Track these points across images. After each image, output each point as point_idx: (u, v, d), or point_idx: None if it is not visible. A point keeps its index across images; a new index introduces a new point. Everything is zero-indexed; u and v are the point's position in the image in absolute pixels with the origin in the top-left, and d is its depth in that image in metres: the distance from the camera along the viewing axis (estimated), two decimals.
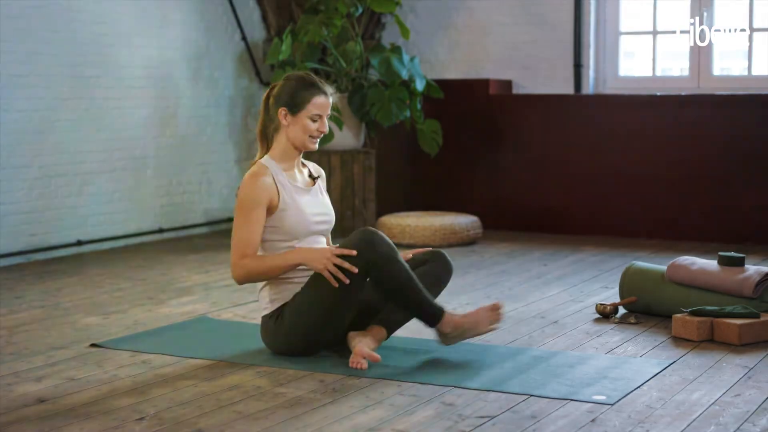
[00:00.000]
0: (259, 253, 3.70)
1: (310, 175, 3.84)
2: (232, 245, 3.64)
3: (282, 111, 3.70)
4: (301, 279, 3.68)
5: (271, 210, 3.66)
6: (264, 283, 3.70)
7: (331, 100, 3.75)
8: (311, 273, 3.65)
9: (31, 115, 5.91)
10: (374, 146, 7.16)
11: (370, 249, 3.53)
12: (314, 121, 3.70)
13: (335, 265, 3.52)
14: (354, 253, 3.53)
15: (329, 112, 3.75)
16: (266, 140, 3.79)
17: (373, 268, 3.54)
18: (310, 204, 3.74)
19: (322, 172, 3.93)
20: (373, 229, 3.61)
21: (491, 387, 3.30)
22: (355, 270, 3.51)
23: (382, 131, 7.23)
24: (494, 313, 3.68)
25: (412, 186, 7.40)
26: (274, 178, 3.68)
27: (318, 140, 3.75)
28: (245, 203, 3.63)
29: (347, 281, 3.52)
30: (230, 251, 3.65)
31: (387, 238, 3.59)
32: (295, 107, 3.69)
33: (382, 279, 3.56)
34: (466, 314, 3.68)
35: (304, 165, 3.86)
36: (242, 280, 3.64)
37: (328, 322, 3.61)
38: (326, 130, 3.73)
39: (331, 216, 3.82)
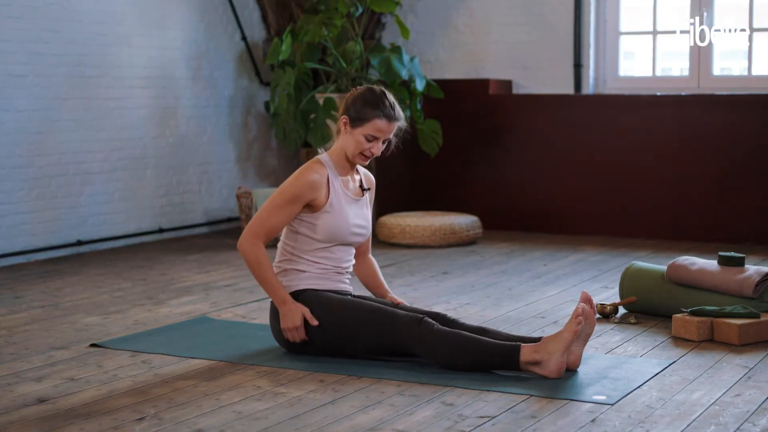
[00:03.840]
0: (286, 239, 3.72)
1: (361, 185, 3.82)
2: (255, 216, 3.67)
3: (344, 119, 3.69)
4: (310, 272, 3.69)
5: (315, 207, 3.66)
6: (281, 269, 3.73)
7: (395, 125, 3.68)
8: (327, 271, 3.72)
9: (31, 115, 5.91)
10: None
11: (414, 325, 3.49)
12: (369, 140, 3.67)
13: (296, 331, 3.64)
14: (316, 322, 3.60)
15: (390, 136, 3.70)
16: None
17: (417, 344, 3.50)
18: (354, 214, 3.73)
19: (373, 183, 3.91)
20: (429, 321, 3.52)
21: (491, 387, 3.30)
22: (299, 339, 3.63)
23: None
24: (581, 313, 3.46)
25: (412, 186, 7.40)
26: (328, 178, 3.68)
27: (369, 159, 3.72)
28: (289, 192, 3.64)
29: (297, 341, 3.64)
30: (251, 223, 3.67)
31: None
32: (355, 121, 3.66)
33: (433, 349, 3.48)
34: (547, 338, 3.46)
35: (357, 171, 3.84)
36: (243, 254, 3.67)
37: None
38: (378, 153, 3.70)
39: (368, 231, 3.81)
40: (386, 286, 3.92)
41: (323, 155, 3.75)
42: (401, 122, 3.73)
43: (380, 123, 3.65)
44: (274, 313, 3.73)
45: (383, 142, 3.70)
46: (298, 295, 3.68)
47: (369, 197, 3.86)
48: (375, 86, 3.76)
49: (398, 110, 3.70)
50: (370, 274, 3.92)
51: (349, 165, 3.77)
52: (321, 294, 3.68)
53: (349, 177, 3.78)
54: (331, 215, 3.67)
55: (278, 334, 3.74)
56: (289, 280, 3.71)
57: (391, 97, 3.71)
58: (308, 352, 3.69)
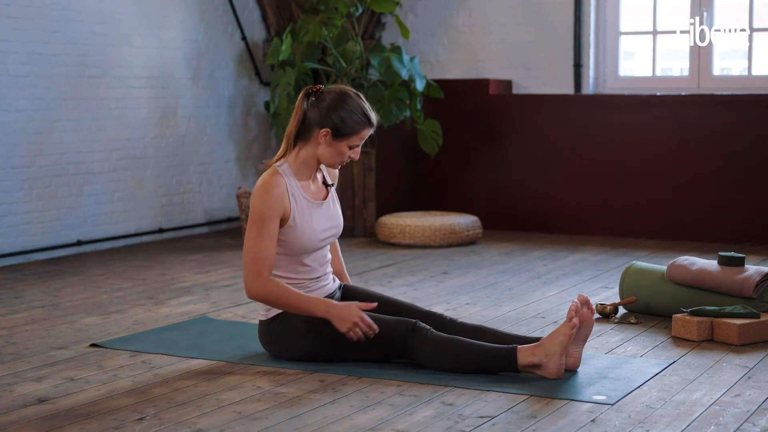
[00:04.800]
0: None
1: (324, 182, 3.72)
2: (246, 259, 3.52)
3: (324, 132, 3.54)
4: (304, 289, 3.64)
5: (281, 223, 3.56)
6: None
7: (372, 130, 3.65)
8: (315, 284, 3.66)
9: (31, 115, 5.92)
10: (374, 146, 7.16)
11: (408, 334, 3.49)
12: (351, 148, 3.60)
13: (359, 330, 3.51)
14: (376, 329, 3.49)
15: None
16: (293, 141, 3.61)
17: (413, 351, 3.50)
18: (321, 219, 3.63)
19: (336, 175, 3.79)
20: (422, 324, 3.51)
21: (491, 387, 3.30)
22: (375, 331, 3.48)
23: (382, 131, 7.23)
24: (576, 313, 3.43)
25: (412, 186, 7.40)
26: (287, 190, 3.56)
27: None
28: (259, 216, 3.50)
29: (370, 333, 3.50)
30: (242, 263, 3.55)
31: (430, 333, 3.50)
32: (340, 135, 3.55)
33: (430, 355, 3.48)
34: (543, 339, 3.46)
35: (319, 170, 3.72)
36: (258, 299, 3.54)
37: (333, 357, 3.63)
38: (357, 157, 3.64)
39: (339, 227, 3.72)
40: (345, 270, 3.89)
41: (280, 164, 3.60)
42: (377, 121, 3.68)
43: (366, 132, 3.59)
44: (263, 335, 3.66)
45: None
46: (289, 317, 3.59)
47: (334, 193, 3.75)
48: (347, 89, 3.61)
49: (374, 113, 3.63)
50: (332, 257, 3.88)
51: (312, 169, 3.65)
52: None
53: (310, 180, 3.66)
54: (297, 229, 3.56)
55: (275, 353, 3.68)
56: None
57: (364, 99, 3.63)
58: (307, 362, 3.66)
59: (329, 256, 3.77)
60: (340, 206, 3.79)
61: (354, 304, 3.50)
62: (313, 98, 3.59)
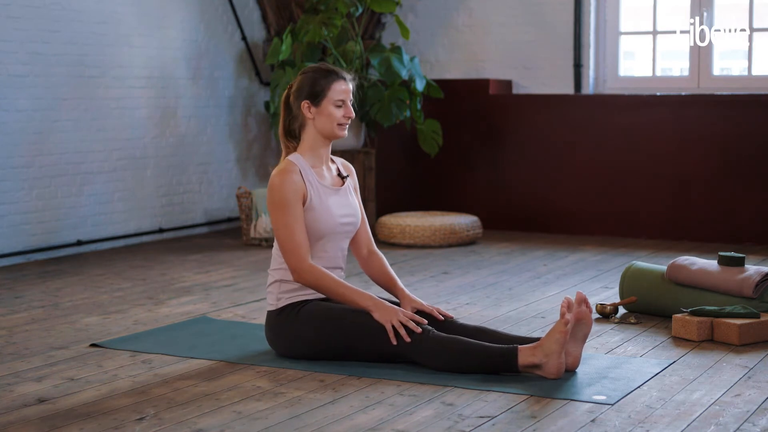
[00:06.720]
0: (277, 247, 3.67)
1: (339, 174, 3.78)
2: (285, 250, 3.57)
3: (305, 104, 3.65)
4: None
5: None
6: (274, 279, 3.68)
7: (351, 85, 3.70)
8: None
9: (31, 115, 5.92)
10: (374, 146, 7.16)
11: (411, 333, 3.51)
12: (338, 107, 3.66)
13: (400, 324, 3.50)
14: (423, 321, 3.51)
15: (351, 97, 3.70)
16: (292, 139, 3.72)
17: (415, 349, 3.50)
18: (337, 204, 3.69)
19: (352, 170, 3.87)
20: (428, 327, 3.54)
21: (491, 387, 3.30)
22: (419, 330, 3.48)
23: (382, 131, 7.23)
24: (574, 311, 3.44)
25: (412, 186, 7.40)
26: (302, 175, 3.63)
27: (346, 126, 3.70)
28: (282, 203, 3.58)
29: (408, 339, 3.48)
30: (286, 256, 3.56)
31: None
32: (316, 97, 3.64)
33: (433, 353, 3.48)
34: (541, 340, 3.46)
35: (332, 161, 3.80)
36: (307, 285, 3.60)
37: (342, 353, 3.62)
38: (353, 114, 3.69)
39: (357, 217, 3.76)
40: (400, 283, 3.79)
41: (292, 155, 3.69)
42: (355, 80, 3.75)
43: (340, 85, 3.65)
44: (269, 325, 3.68)
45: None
46: (297, 308, 3.63)
47: (351, 184, 3.81)
48: (309, 65, 3.76)
49: (345, 71, 3.72)
50: (380, 271, 3.81)
51: (323, 154, 3.72)
52: (320, 304, 3.63)
53: (323, 168, 3.73)
54: (314, 212, 3.62)
55: (277, 346, 3.70)
56: (283, 292, 3.66)
57: (329, 64, 3.72)
58: (308, 359, 3.66)
59: (345, 252, 3.77)
60: (357, 200, 3.81)
61: (399, 308, 3.56)
62: (289, 91, 3.73)
